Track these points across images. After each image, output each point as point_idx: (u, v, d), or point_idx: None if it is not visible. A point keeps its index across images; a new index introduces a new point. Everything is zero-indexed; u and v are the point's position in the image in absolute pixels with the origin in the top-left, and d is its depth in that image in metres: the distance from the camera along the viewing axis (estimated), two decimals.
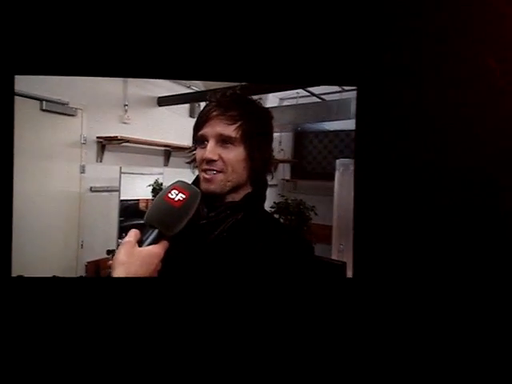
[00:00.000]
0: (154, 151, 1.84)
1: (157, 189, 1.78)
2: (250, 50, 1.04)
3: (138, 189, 1.75)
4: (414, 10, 1.04)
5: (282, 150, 2.41)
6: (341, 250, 1.83)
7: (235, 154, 0.77)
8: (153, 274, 0.63)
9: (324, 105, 2.01)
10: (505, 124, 1.04)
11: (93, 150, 1.63)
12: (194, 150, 0.83)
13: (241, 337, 1.04)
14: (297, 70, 1.05)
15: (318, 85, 1.67)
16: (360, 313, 1.06)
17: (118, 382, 1.02)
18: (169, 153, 1.89)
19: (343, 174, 1.97)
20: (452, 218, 1.06)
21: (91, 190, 1.63)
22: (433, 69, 1.04)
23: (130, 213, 1.71)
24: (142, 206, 1.77)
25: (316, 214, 1.90)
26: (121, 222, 1.67)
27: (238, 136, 0.77)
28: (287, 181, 2.39)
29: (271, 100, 2.14)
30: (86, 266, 1.58)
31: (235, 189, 0.80)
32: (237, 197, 0.80)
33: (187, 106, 1.93)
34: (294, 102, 2.21)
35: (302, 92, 2.08)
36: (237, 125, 0.77)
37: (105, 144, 1.66)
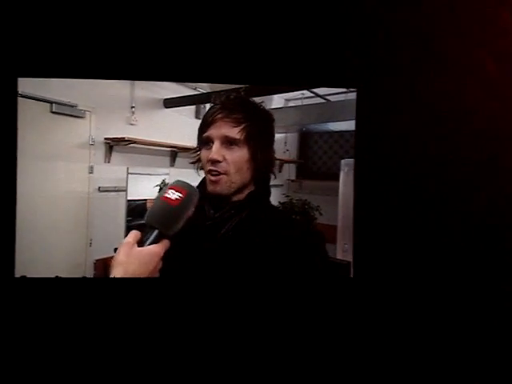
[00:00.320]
0: (160, 152, 1.86)
1: (163, 189, 1.80)
2: (252, 53, 1.05)
3: (145, 189, 1.77)
4: (413, 12, 1.04)
5: (288, 150, 2.42)
6: (345, 250, 1.83)
7: (239, 155, 0.80)
8: (153, 273, 0.64)
9: (329, 105, 2.02)
10: (504, 125, 1.05)
11: (101, 151, 1.67)
12: (198, 150, 0.85)
13: (250, 332, 1.05)
14: (298, 73, 1.06)
15: (318, 87, 1.68)
16: (360, 310, 1.07)
17: (122, 382, 1.03)
18: (175, 153, 1.91)
19: (348, 174, 1.97)
20: (451, 218, 1.06)
21: (99, 189, 1.67)
22: (432, 70, 1.05)
23: (137, 213, 1.74)
24: (149, 206, 1.80)
25: (321, 213, 1.90)
26: (128, 221, 1.70)
27: (242, 138, 0.79)
28: (293, 181, 2.40)
29: (277, 101, 2.15)
30: (95, 263, 1.61)
31: (240, 189, 0.82)
32: (241, 197, 0.82)
33: (193, 107, 1.95)
34: (299, 102, 2.22)
35: (307, 93, 2.09)
36: (241, 127, 0.79)
37: (112, 145, 1.69)
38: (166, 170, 1.86)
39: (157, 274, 0.65)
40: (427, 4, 1.04)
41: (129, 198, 1.71)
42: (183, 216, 0.67)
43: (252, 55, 1.05)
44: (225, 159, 0.79)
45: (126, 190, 1.71)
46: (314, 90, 1.92)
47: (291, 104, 2.26)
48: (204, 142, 0.82)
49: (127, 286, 1.01)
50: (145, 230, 0.66)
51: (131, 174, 1.72)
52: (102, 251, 1.60)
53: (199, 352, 1.04)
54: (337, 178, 1.92)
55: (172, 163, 1.94)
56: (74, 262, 1.59)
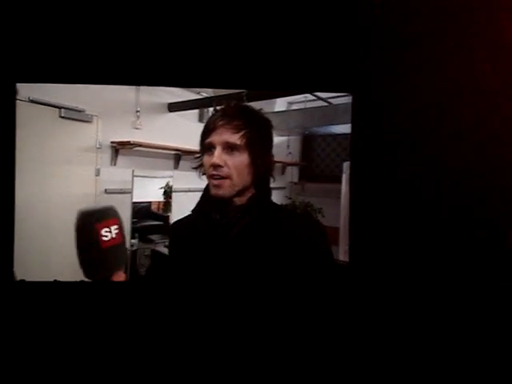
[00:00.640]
0: (164, 155, 1.90)
1: (168, 191, 1.84)
2: (251, 59, 1.09)
3: (150, 191, 1.81)
4: (407, 19, 1.07)
5: (290, 153, 2.43)
6: (347, 251, 1.85)
7: (240, 160, 0.84)
8: None
9: (331, 108, 2.03)
10: (500, 127, 1.06)
11: (107, 154, 1.71)
12: (201, 156, 0.90)
13: (268, 326, 1.08)
14: (295, 78, 1.09)
15: (315, 91, 1.71)
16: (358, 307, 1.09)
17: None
18: (179, 156, 1.94)
19: None
20: (444, 221, 1.08)
21: (106, 191, 1.70)
22: (427, 76, 1.07)
23: (142, 214, 1.78)
24: (153, 207, 1.83)
25: (323, 215, 1.92)
26: (134, 223, 1.73)
27: (242, 143, 0.84)
28: (295, 183, 2.42)
29: (279, 104, 2.17)
30: None
31: (241, 192, 0.87)
32: (243, 199, 0.87)
33: (196, 111, 1.98)
34: (302, 105, 2.24)
35: (310, 96, 2.11)
36: (241, 133, 0.84)
37: (118, 148, 1.74)
38: (170, 173, 1.89)
39: None
40: (422, 11, 1.06)
41: (134, 201, 1.75)
42: None
43: (251, 61, 1.09)
44: (226, 164, 0.84)
45: (131, 192, 1.74)
46: (316, 93, 1.93)
47: (294, 107, 2.29)
48: (206, 147, 0.87)
49: (133, 289, 1.03)
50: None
51: (136, 176, 1.76)
52: None
53: (212, 348, 1.06)
54: (339, 181, 1.93)
55: (176, 166, 1.97)
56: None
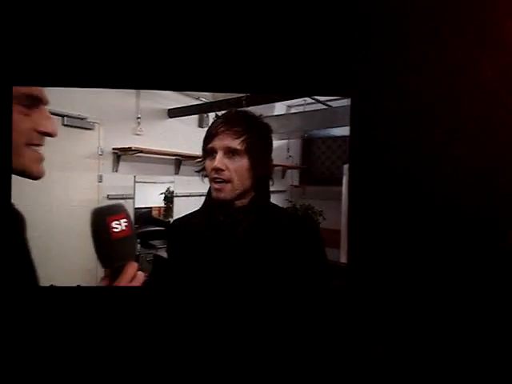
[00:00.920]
0: (165, 160, 1.92)
1: (168, 196, 1.86)
2: (250, 64, 1.10)
3: (151, 197, 1.83)
4: (406, 23, 1.08)
5: (291, 156, 2.45)
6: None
7: (240, 164, 0.88)
8: None
9: (331, 111, 2.05)
10: (500, 128, 1.07)
11: (109, 161, 1.73)
12: (203, 160, 0.93)
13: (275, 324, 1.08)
14: (293, 82, 1.10)
15: (313, 95, 1.73)
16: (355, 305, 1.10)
17: None
18: (179, 162, 1.96)
19: None
20: (444, 222, 1.09)
21: (108, 197, 1.72)
22: (426, 78, 1.08)
23: (144, 220, 1.79)
24: (154, 213, 1.85)
25: (324, 218, 1.93)
26: (136, 228, 1.74)
27: (242, 148, 0.87)
28: (296, 187, 2.43)
29: (279, 108, 2.20)
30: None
31: (242, 194, 0.90)
32: (244, 201, 0.91)
33: (196, 116, 2.00)
34: (301, 109, 2.26)
35: (309, 99, 2.13)
36: (241, 138, 0.87)
37: (120, 155, 1.76)
38: (171, 178, 1.91)
39: None
40: (421, 15, 1.08)
41: (136, 206, 1.76)
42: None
43: (250, 65, 1.10)
44: (227, 168, 0.87)
45: (133, 198, 1.76)
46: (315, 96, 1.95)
47: (293, 110, 2.30)
48: (208, 152, 0.90)
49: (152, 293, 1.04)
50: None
51: (138, 182, 1.78)
52: None
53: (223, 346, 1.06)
54: (340, 183, 1.94)
55: (177, 171, 1.99)
56: (85, 266, 1.63)
